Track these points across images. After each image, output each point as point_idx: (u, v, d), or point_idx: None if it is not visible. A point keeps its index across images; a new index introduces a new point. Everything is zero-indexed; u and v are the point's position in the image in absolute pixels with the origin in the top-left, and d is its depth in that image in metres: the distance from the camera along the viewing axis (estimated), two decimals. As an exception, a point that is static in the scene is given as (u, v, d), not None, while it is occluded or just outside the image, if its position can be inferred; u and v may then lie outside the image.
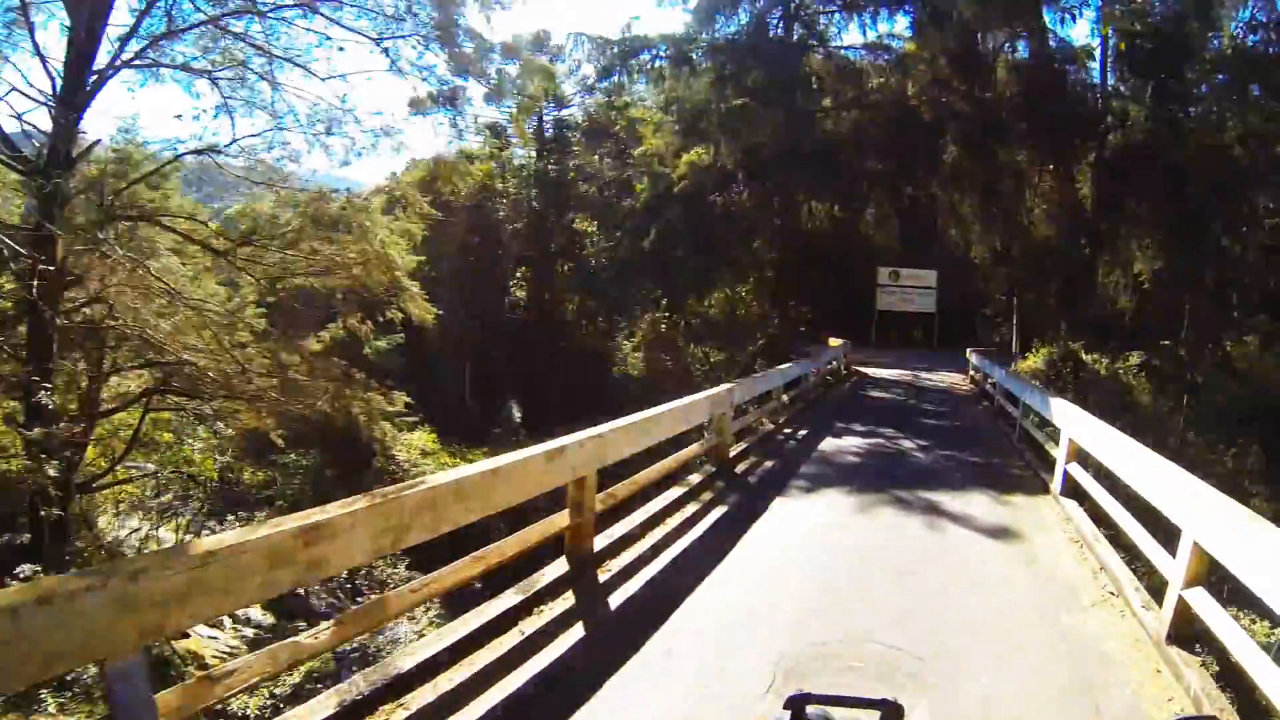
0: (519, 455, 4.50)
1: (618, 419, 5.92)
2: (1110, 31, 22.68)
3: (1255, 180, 21.04)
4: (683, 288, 23.91)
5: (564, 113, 31.30)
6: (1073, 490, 7.47)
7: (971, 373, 20.69)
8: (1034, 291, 25.17)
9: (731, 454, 9.12)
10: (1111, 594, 5.19)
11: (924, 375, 22.67)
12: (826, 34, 26.27)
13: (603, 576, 5.26)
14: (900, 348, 28.38)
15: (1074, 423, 7.59)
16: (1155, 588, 4.80)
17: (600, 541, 5.53)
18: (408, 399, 16.20)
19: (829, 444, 11.29)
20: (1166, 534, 4.68)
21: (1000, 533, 6.73)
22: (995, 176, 24.22)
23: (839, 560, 5.83)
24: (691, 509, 7.12)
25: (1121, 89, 23.49)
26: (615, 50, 25.74)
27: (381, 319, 17.28)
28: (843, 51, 26.62)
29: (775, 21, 24.96)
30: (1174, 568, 4.30)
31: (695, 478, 8.05)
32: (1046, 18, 24.49)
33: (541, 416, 24.30)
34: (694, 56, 24.67)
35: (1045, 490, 8.33)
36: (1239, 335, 21.68)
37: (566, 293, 28.28)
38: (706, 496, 7.64)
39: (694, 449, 8.34)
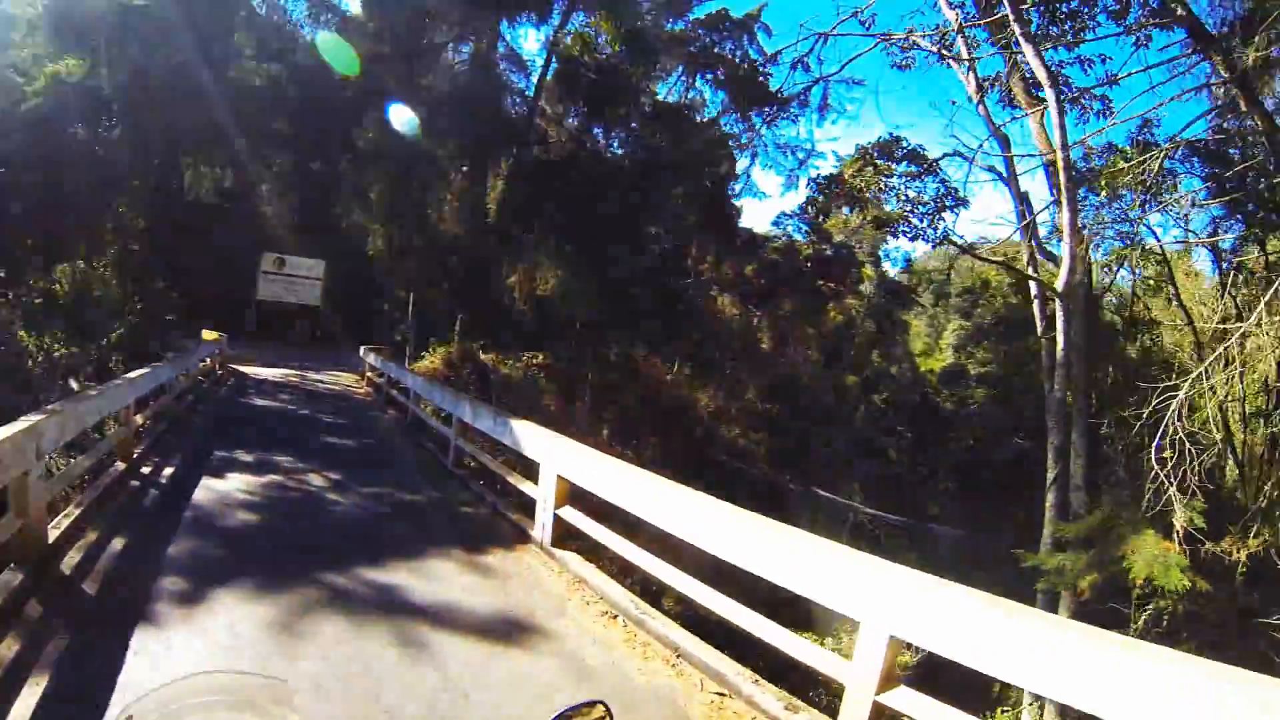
0: None
1: None
2: (554, 56, 24.04)
3: (649, 210, 24.55)
4: (21, 256, 16.39)
5: None
6: (565, 536, 6.33)
7: (370, 374, 19.19)
8: (435, 289, 24.54)
9: (51, 537, 5.40)
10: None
11: (313, 376, 20.21)
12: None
13: None
14: (282, 343, 25.19)
15: (565, 457, 6.40)
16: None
17: None
18: None
19: (209, 491, 7.65)
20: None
21: (508, 628, 4.79)
22: (411, 165, 23.08)
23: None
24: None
25: (549, 109, 25.11)
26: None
27: None
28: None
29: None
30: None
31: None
32: (501, 26, 24.70)
33: None
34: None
35: (525, 538, 6.89)
36: (632, 342, 25.09)
37: None
38: (5, 656, 3.72)
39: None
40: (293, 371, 20.30)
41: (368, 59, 22.52)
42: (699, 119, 29.39)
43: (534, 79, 26.90)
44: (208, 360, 17.26)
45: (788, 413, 31.64)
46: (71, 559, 5.28)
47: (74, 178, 16.95)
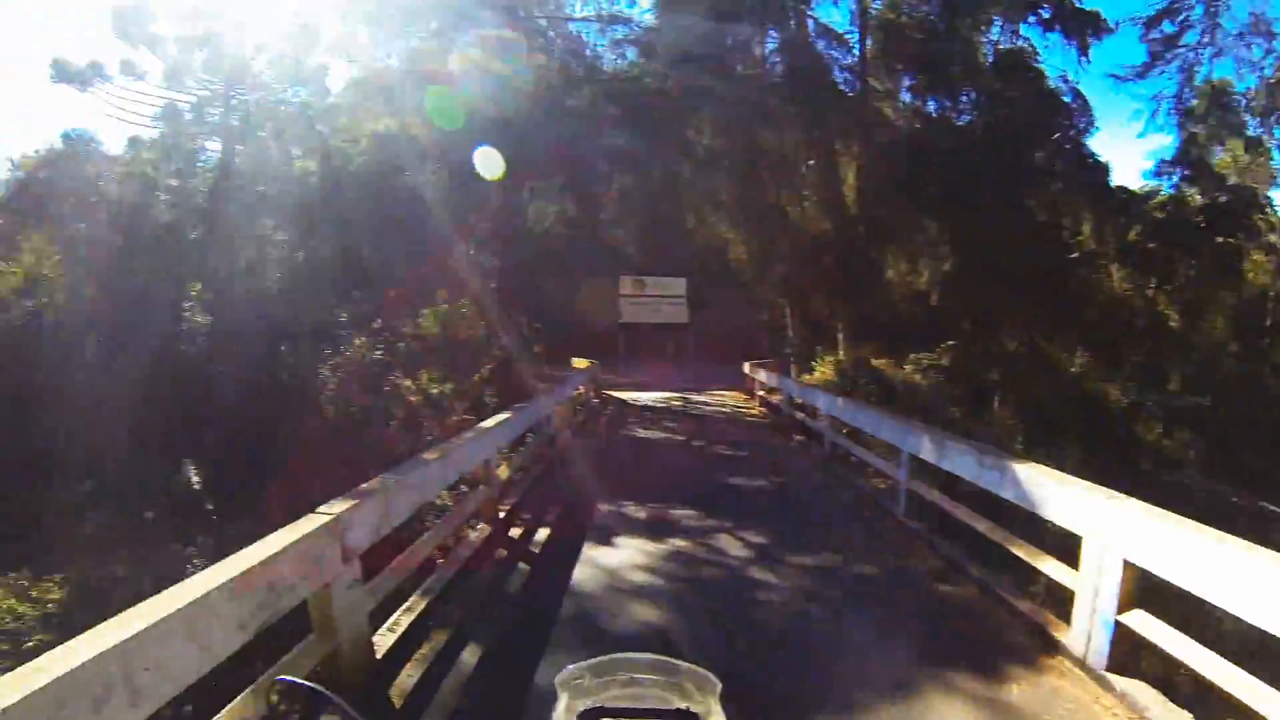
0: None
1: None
2: (869, 22, 21.83)
3: (1014, 179, 21.20)
4: (392, 303, 17.90)
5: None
6: (1126, 660, 4.19)
7: (761, 392, 17.88)
8: (809, 292, 22.92)
9: (382, 647, 4.59)
10: None
11: (695, 397, 19.53)
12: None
13: None
14: (654, 364, 25.32)
15: (1135, 532, 4.08)
16: None
17: None
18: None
19: (592, 568, 6.22)
20: None
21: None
22: (758, 160, 21.84)
23: None
24: None
25: (876, 84, 22.85)
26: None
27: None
28: (569, 25, 22.85)
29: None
30: None
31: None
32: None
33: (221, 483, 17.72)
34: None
35: (1051, 647, 4.67)
36: (1029, 331, 21.83)
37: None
38: None
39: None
40: (672, 394, 19.88)
41: (677, 61, 21.76)
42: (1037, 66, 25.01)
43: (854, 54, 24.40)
44: (581, 389, 17.08)
45: (1214, 404, 25.47)
46: (404, 682, 4.26)
47: (411, 226, 17.89)
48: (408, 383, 18.37)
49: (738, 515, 7.96)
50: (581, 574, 6.08)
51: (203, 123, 21.43)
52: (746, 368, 19.41)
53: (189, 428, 20.16)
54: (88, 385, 22.27)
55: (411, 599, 5.37)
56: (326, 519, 3.92)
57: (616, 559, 6.49)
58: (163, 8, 19.52)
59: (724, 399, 19.52)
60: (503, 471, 8.37)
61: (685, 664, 1.71)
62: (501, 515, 7.54)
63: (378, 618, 4.72)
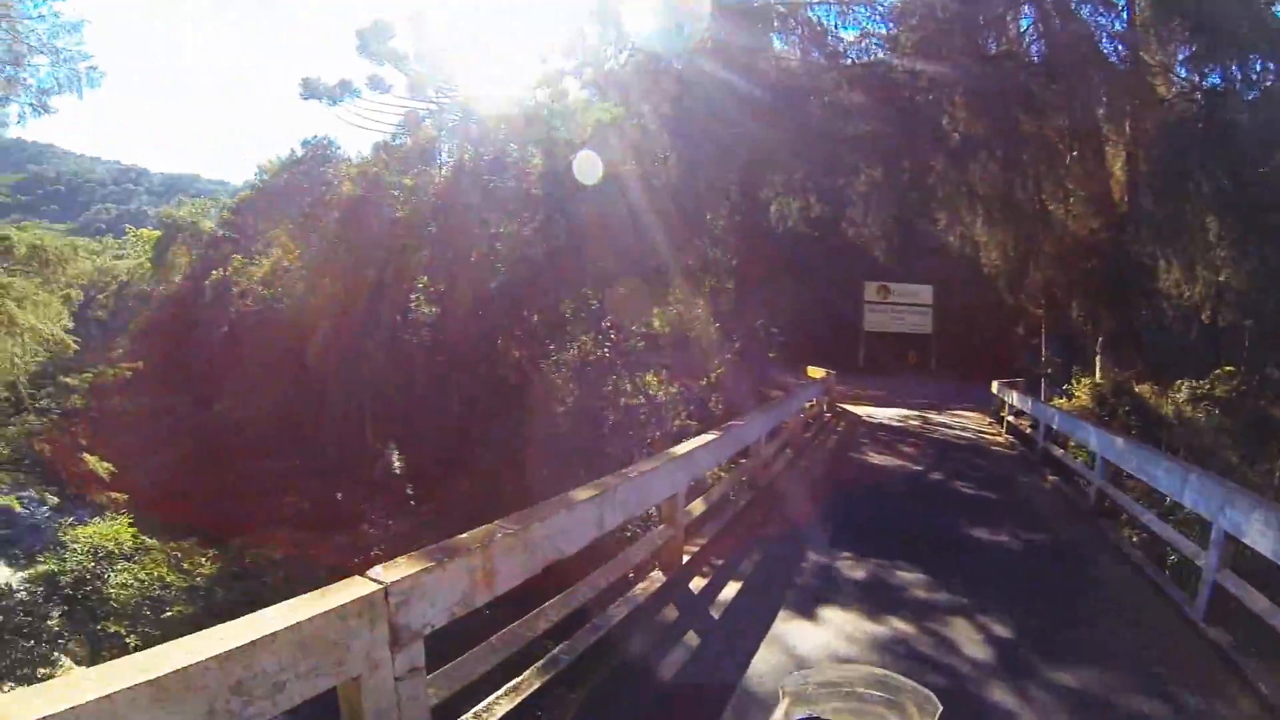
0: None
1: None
2: None
3: None
4: (621, 300, 16.91)
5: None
6: None
7: (1011, 418, 15.40)
8: (1068, 304, 19.86)
9: None
10: None
11: (934, 418, 17.25)
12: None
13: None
14: (894, 377, 23.18)
15: None
16: None
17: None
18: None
19: (779, 651, 4.67)
20: None
21: None
22: (1017, 150, 19.16)
23: None
24: None
25: (1147, 57, 19.47)
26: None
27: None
28: (808, 11, 21.12)
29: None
30: None
31: None
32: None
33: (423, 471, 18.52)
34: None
35: None
36: None
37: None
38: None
39: None
40: (910, 412, 17.71)
41: (925, 40, 19.43)
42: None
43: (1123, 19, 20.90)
44: (813, 401, 15.33)
45: None
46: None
47: (640, 218, 16.73)
48: (630, 384, 17.49)
49: (978, 588, 6.05)
50: (765, 660, 4.54)
51: (440, 128, 21.89)
52: (994, 387, 16.92)
53: (402, 414, 20.52)
54: (315, 368, 23.23)
55: (524, 675, 4.07)
56: (368, 590, 2.74)
57: (815, 641, 4.93)
58: (401, 25, 20.13)
59: (966, 421, 17.11)
60: (696, 506, 6.95)
61: (910, 683, 1.59)
62: (686, 559, 6.19)
63: (467, 699, 3.60)
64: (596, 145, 17.71)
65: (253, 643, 2.23)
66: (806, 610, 5.41)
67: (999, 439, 15.09)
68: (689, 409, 17.25)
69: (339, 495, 19.71)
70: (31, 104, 11.43)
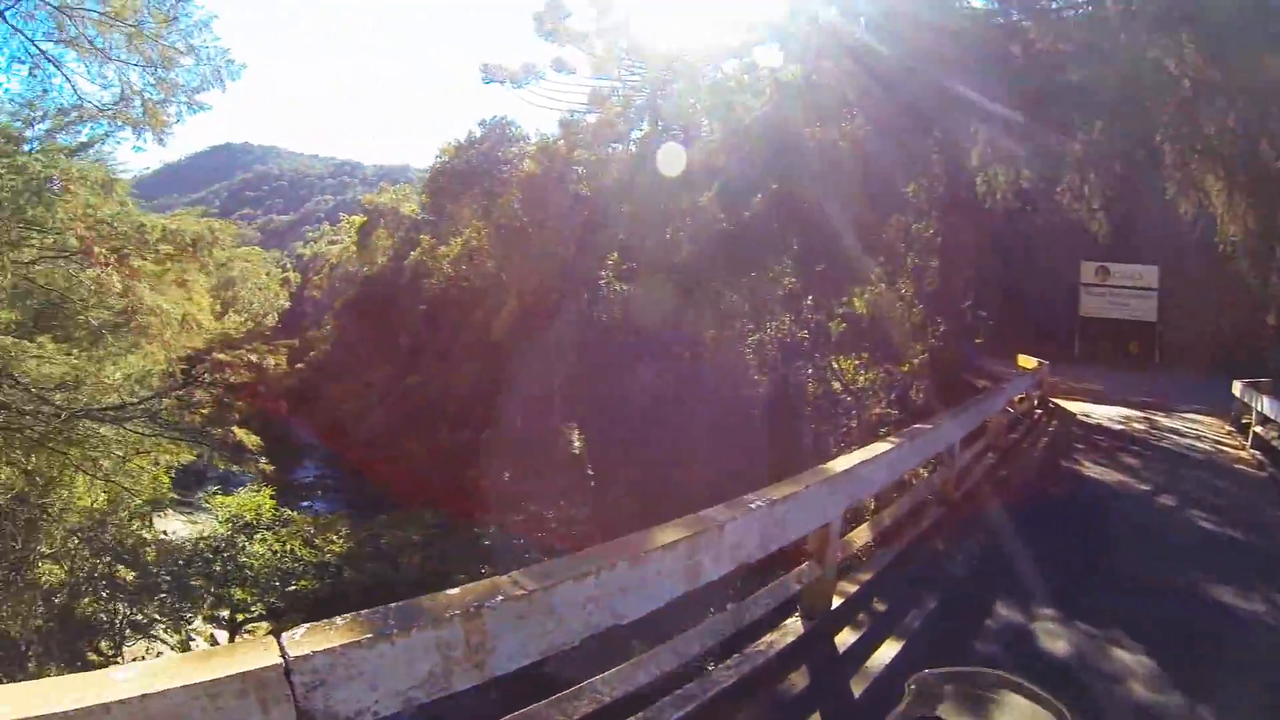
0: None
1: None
2: None
3: None
4: (819, 279, 15.91)
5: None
6: None
7: (1256, 426, 12.66)
8: None
9: None
10: None
11: (1161, 421, 14.73)
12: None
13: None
14: (1111, 368, 20.71)
15: None
16: None
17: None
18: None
19: None
20: None
21: None
22: (1267, 98, 16.02)
23: None
24: None
25: None
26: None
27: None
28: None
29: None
30: None
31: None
32: None
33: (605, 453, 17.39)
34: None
35: None
36: None
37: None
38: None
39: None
40: (1133, 413, 15.34)
41: None
42: None
43: None
44: (1024, 395, 13.52)
45: None
46: None
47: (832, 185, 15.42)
48: (829, 368, 16.60)
49: (1225, 690, 4.06)
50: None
51: (627, 105, 21.91)
52: (1236, 388, 14.11)
53: (588, 394, 20.63)
54: (505, 345, 23.87)
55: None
56: (261, 664, 1.90)
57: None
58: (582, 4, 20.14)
59: (1200, 428, 14.39)
60: (860, 534, 5.64)
61: (1042, 693, 1.57)
62: (837, 603, 4.84)
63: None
64: (772, 101, 16.83)
65: (69, 713, 1.64)
66: (978, 707, 3.96)
67: (1242, 454, 12.40)
68: (889, 396, 16.13)
69: (505, 476, 20.16)
70: (186, 103, 12.23)
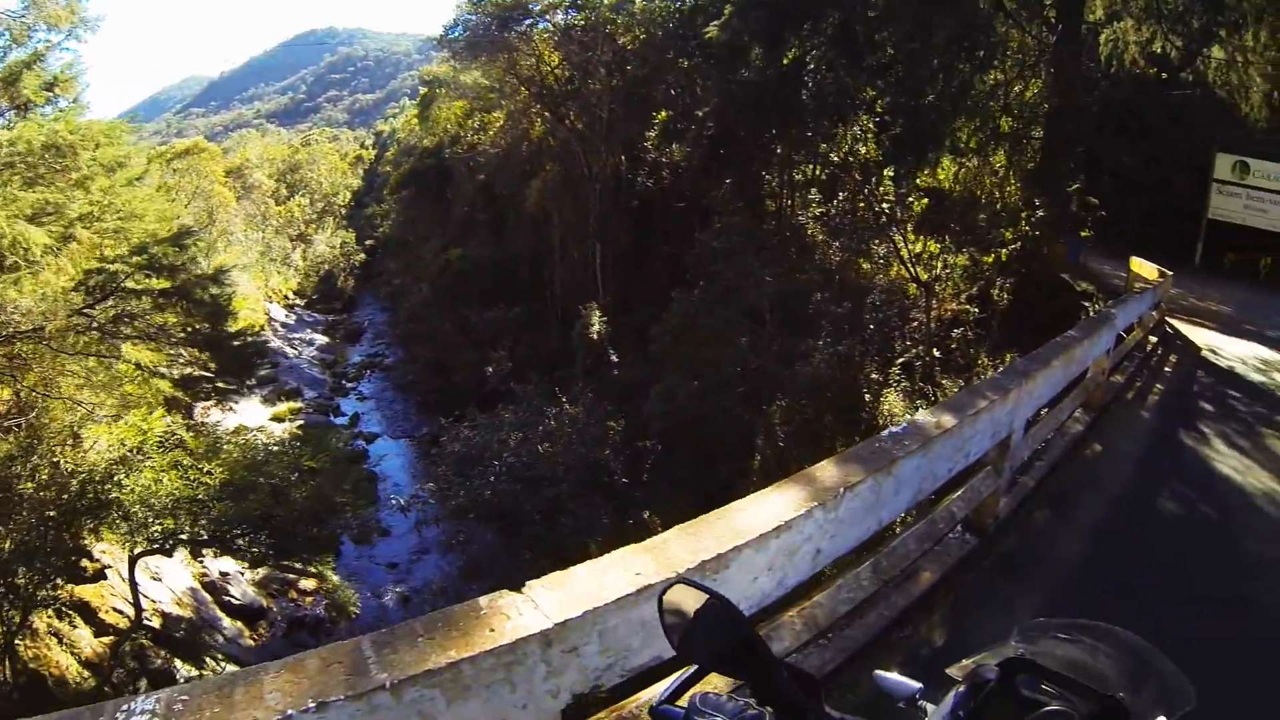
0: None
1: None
2: None
3: None
4: (907, 140, 12.83)
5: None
6: None
7: None
8: None
9: None
10: None
11: None
12: None
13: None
14: (1242, 286, 16.82)
15: None
16: None
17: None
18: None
19: None
20: None
21: None
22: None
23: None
24: None
25: None
26: None
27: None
28: None
29: None
30: None
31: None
32: None
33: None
34: None
35: None
36: None
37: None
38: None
39: None
40: (1269, 351, 11.55)
41: None
42: None
43: None
44: (1140, 319, 10.02)
45: None
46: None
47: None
48: (904, 250, 13.66)
49: None
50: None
51: None
52: None
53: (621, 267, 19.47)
54: (551, 216, 22.63)
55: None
56: None
57: None
58: None
59: None
60: None
61: (1171, 666, 1.36)
62: None
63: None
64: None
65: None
66: None
67: None
68: (971, 290, 13.45)
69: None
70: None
